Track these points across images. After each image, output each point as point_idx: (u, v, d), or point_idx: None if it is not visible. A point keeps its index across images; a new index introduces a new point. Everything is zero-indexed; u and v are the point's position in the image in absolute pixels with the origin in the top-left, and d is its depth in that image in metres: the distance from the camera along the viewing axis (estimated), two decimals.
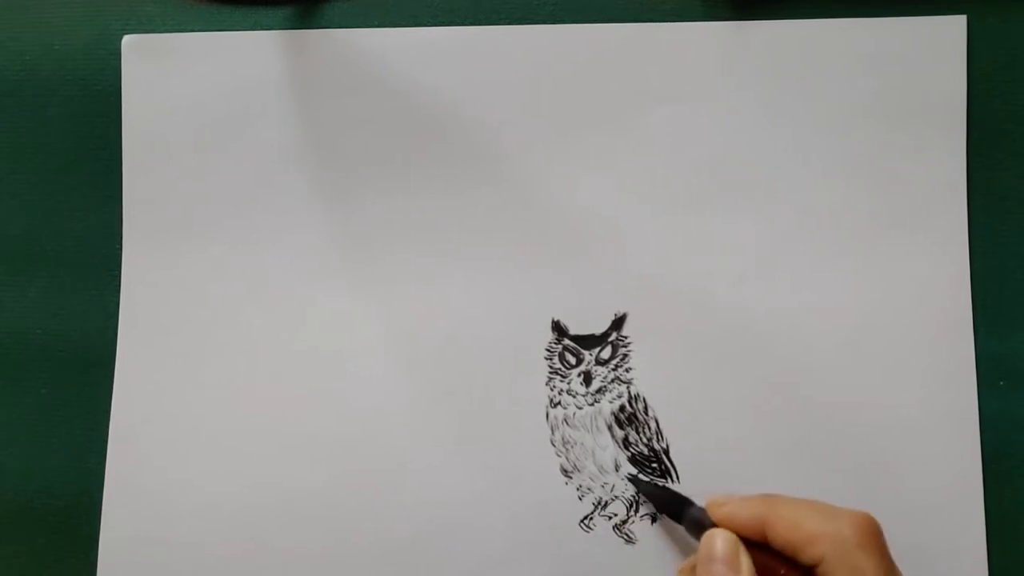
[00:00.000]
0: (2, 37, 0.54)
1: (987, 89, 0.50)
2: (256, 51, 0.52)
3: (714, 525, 0.43)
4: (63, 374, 0.52)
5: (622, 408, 0.49)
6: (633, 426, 0.49)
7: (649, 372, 0.49)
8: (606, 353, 0.49)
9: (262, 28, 0.53)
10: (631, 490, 0.49)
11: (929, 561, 0.47)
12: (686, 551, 0.48)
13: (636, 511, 0.49)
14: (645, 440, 0.49)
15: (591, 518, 0.49)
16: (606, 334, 0.49)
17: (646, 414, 0.49)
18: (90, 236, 0.52)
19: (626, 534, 0.49)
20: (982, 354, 0.48)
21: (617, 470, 0.49)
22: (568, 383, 0.49)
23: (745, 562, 0.41)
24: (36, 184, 0.53)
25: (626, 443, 0.49)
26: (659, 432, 0.49)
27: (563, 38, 0.51)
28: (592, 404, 0.49)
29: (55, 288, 0.52)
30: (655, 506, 0.48)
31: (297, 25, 0.52)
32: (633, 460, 0.49)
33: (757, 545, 0.42)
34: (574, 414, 0.49)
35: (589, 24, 0.51)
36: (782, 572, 0.41)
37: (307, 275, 0.51)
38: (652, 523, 0.49)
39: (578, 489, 0.49)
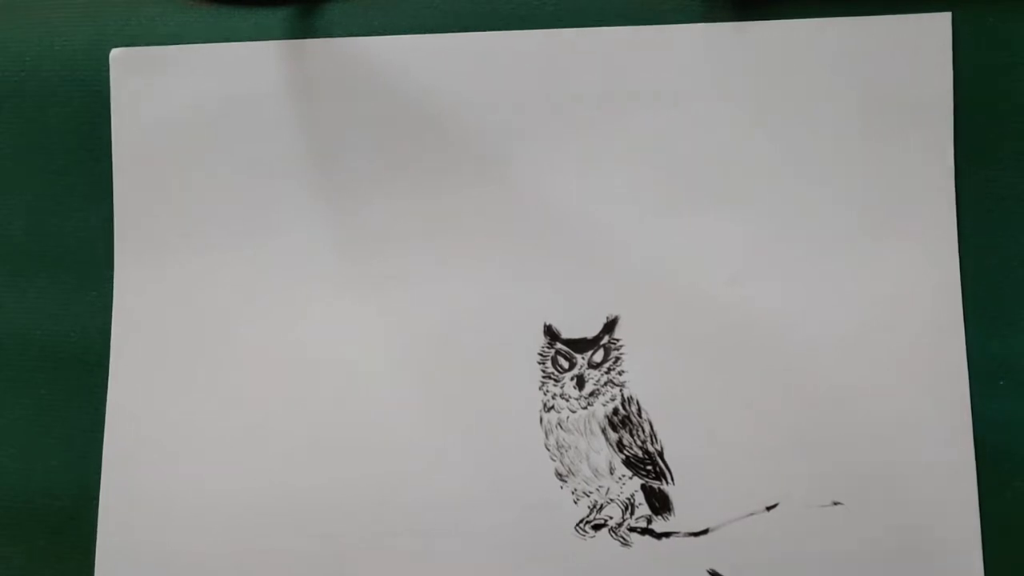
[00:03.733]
0: (2, 37, 0.54)
1: (974, 86, 0.49)
2: (247, 62, 0.52)
3: None
4: (62, 375, 0.52)
5: (615, 411, 0.49)
6: (627, 429, 0.49)
7: (642, 374, 0.49)
8: (599, 356, 0.49)
9: (262, 29, 0.52)
10: (626, 492, 0.49)
11: (925, 562, 0.47)
12: (682, 555, 0.48)
13: (632, 514, 0.49)
14: (639, 442, 0.49)
15: (586, 522, 0.49)
16: (598, 337, 0.49)
17: (640, 416, 0.49)
18: (90, 237, 0.53)
19: (622, 537, 0.49)
20: (981, 354, 0.48)
21: (612, 473, 0.49)
22: (561, 387, 0.49)
23: None
24: (36, 185, 0.53)
25: (620, 446, 0.49)
26: (653, 434, 0.49)
27: (560, 43, 0.51)
28: (585, 407, 0.49)
29: (55, 289, 0.52)
30: None
31: (297, 26, 0.52)
32: (628, 463, 0.49)
33: None
34: (567, 418, 0.49)
35: (584, 28, 0.51)
36: None
37: (301, 280, 0.51)
38: (647, 525, 0.49)
39: (573, 493, 0.49)
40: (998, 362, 0.48)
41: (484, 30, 0.51)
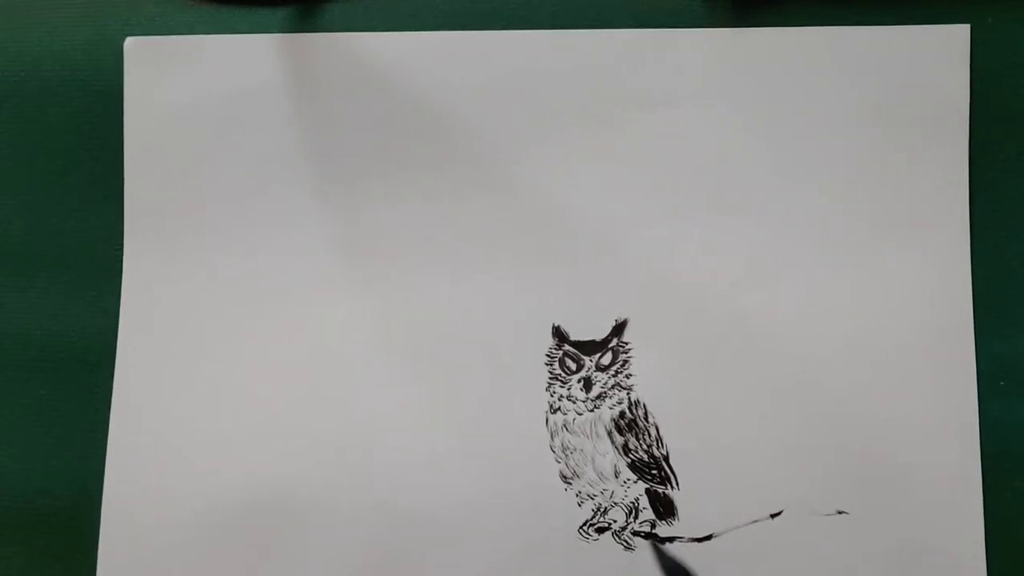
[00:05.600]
0: (2, 37, 0.54)
1: (991, 97, 0.49)
2: (260, 55, 0.52)
3: None
4: (63, 375, 0.51)
5: (622, 414, 0.49)
6: (633, 432, 0.49)
7: (650, 378, 0.49)
8: (606, 359, 0.49)
9: (262, 28, 0.52)
10: (631, 496, 0.49)
11: (928, 562, 0.47)
12: (686, 560, 0.48)
13: (636, 518, 0.49)
14: (645, 446, 0.49)
15: (590, 524, 0.49)
16: (607, 340, 0.49)
17: (646, 420, 0.49)
18: (90, 237, 0.52)
19: (625, 540, 0.48)
20: (983, 354, 0.48)
21: (617, 476, 0.49)
22: (568, 389, 0.49)
23: None
24: (36, 185, 0.53)
25: (626, 449, 0.49)
26: (659, 438, 0.49)
27: (563, 43, 0.51)
28: (592, 410, 0.49)
29: (55, 289, 0.52)
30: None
31: (297, 26, 0.52)
32: (633, 467, 0.49)
33: None
34: (574, 420, 0.49)
35: (589, 30, 0.51)
36: None
37: (308, 279, 0.51)
38: (651, 529, 0.49)
39: (577, 495, 0.49)
40: (999, 362, 0.48)
41: (484, 29, 0.51)
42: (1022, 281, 0.49)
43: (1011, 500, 0.48)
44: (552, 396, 0.49)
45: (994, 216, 0.49)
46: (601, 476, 0.49)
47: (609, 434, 0.49)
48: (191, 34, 0.53)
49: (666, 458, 0.48)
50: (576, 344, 0.49)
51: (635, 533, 0.48)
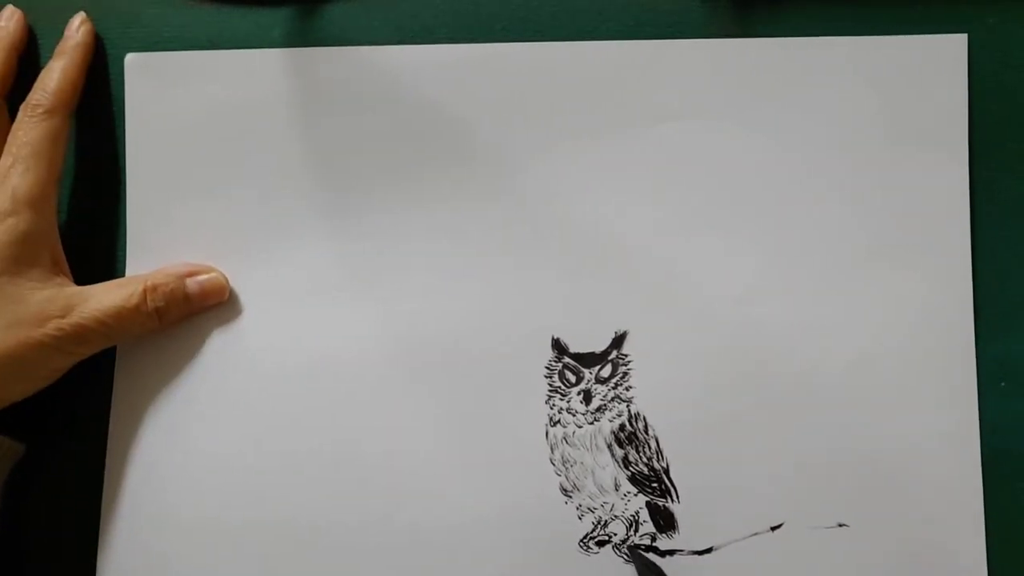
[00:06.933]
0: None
1: (989, 107, 0.49)
2: (261, 69, 0.52)
3: None
4: (62, 377, 0.51)
5: (622, 427, 0.49)
6: (633, 445, 0.48)
7: (650, 391, 0.49)
8: (606, 371, 0.49)
9: (262, 29, 0.52)
10: (631, 509, 0.48)
11: (928, 563, 0.47)
12: (686, 573, 0.48)
13: (636, 531, 0.48)
14: (645, 459, 0.48)
15: (590, 538, 0.48)
16: (606, 352, 0.49)
17: (646, 433, 0.48)
18: (90, 243, 0.52)
19: (625, 554, 0.48)
20: (983, 356, 0.48)
21: (617, 489, 0.49)
22: (568, 401, 0.49)
23: None
24: None
25: (626, 462, 0.48)
26: (659, 451, 0.48)
27: (567, 55, 0.50)
28: (592, 423, 0.49)
29: None
30: None
31: (297, 26, 0.52)
32: (633, 479, 0.48)
33: None
34: (574, 433, 0.49)
35: (594, 41, 0.50)
36: None
37: (308, 291, 0.51)
38: (651, 542, 0.48)
39: (578, 508, 0.48)
40: (999, 363, 0.48)
41: (484, 30, 0.51)
42: (1018, 282, 0.49)
43: (1010, 501, 0.48)
44: (552, 409, 0.49)
45: (993, 217, 0.49)
46: (601, 489, 0.48)
47: (609, 447, 0.49)
48: (192, 36, 0.52)
49: (666, 471, 0.48)
50: (575, 356, 0.49)
51: (635, 546, 0.48)
